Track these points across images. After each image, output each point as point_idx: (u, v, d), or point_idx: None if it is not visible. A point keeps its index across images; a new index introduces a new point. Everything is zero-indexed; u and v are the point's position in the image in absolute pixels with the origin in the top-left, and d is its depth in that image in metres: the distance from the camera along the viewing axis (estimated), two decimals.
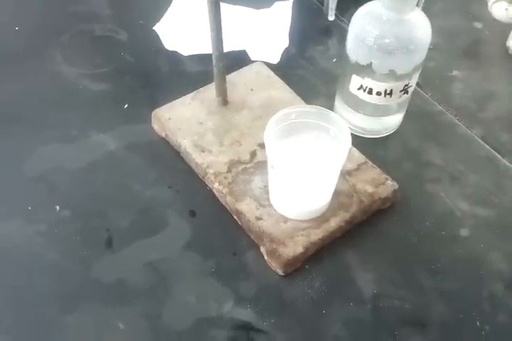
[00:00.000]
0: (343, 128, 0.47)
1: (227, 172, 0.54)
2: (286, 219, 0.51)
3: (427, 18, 0.52)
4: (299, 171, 0.47)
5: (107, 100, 0.63)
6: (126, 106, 0.62)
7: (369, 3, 0.53)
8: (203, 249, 0.52)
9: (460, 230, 0.54)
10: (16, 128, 0.60)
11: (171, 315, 0.48)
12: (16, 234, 0.52)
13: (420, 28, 0.52)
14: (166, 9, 0.72)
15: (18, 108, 0.62)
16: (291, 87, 0.61)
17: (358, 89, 0.55)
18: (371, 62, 0.53)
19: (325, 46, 0.70)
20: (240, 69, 0.63)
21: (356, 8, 0.54)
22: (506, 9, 0.69)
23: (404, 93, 0.55)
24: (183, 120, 0.58)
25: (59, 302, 0.49)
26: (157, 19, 0.70)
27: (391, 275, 0.51)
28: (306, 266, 0.51)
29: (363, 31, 0.52)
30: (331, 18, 0.70)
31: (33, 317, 0.48)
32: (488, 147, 0.60)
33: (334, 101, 0.61)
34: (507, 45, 0.71)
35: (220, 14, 0.50)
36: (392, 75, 0.53)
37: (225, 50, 0.54)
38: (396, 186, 0.54)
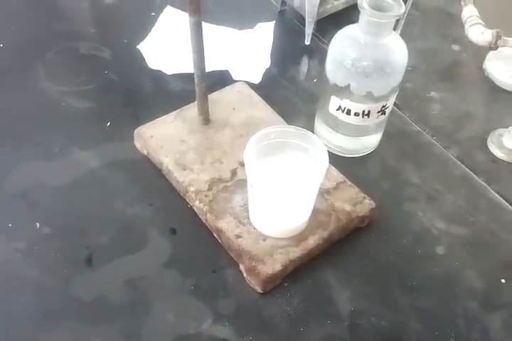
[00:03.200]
0: (321, 149, 0.48)
1: (207, 190, 0.55)
2: (265, 237, 0.52)
3: (403, 41, 0.54)
4: (277, 190, 0.47)
5: (89, 118, 0.63)
6: (108, 124, 0.63)
7: (348, 26, 0.55)
8: (183, 266, 0.52)
9: (436, 248, 0.55)
10: None
11: (149, 332, 0.48)
12: None
13: (397, 51, 0.54)
14: (150, 29, 0.73)
15: (0, 123, 0.62)
16: (272, 107, 0.63)
17: (337, 109, 0.57)
18: (349, 84, 0.54)
19: (306, 67, 0.71)
20: (223, 89, 0.64)
21: (337, 30, 0.55)
22: (482, 33, 0.71)
23: (381, 114, 0.57)
24: (166, 138, 0.59)
25: (38, 319, 0.49)
26: (141, 38, 0.71)
27: (368, 293, 0.51)
28: (285, 284, 0.51)
29: (341, 54, 0.54)
30: (307, 42, 0.72)
31: (12, 334, 0.48)
32: (463, 166, 0.62)
33: (314, 121, 0.63)
34: (483, 67, 0.73)
35: (202, 36, 0.51)
36: (369, 97, 0.54)
37: (208, 69, 0.55)
38: (373, 205, 0.55)
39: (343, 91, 0.55)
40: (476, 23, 0.71)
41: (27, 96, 0.65)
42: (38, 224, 0.54)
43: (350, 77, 0.54)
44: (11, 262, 0.52)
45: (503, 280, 0.53)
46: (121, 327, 0.48)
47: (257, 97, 0.64)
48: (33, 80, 0.67)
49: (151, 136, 0.59)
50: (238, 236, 0.52)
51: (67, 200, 0.56)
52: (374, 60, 0.53)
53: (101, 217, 0.55)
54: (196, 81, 0.55)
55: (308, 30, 0.71)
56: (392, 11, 0.50)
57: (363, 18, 0.51)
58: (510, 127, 0.64)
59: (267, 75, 0.69)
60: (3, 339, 0.48)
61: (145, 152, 0.60)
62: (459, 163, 0.62)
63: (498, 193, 0.60)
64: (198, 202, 0.54)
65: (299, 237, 0.52)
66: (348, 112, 0.56)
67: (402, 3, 0.51)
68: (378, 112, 0.56)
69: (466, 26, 0.72)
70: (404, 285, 0.52)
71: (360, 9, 0.51)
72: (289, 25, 0.75)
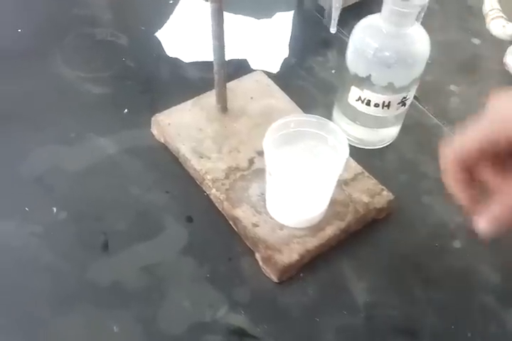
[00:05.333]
0: (341, 139, 0.48)
1: (224, 178, 0.55)
2: (282, 227, 0.52)
3: (426, 32, 0.54)
4: (296, 179, 0.47)
5: (106, 104, 0.63)
6: (126, 110, 0.63)
7: (370, 16, 0.54)
8: (199, 254, 0.52)
9: (453, 242, 0.54)
10: (15, 128, 0.60)
11: (165, 319, 0.48)
12: (12, 234, 0.52)
13: (419, 42, 0.53)
14: (168, 16, 0.72)
15: (18, 108, 0.62)
16: (290, 97, 0.62)
17: (357, 100, 0.56)
18: (370, 75, 0.53)
19: (324, 57, 0.70)
20: (240, 78, 0.64)
21: (356, 21, 0.54)
22: (504, 26, 0.70)
23: (401, 105, 0.56)
24: (183, 126, 0.59)
25: (53, 303, 0.49)
26: (159, 26, 0.71)
27: (384, 285, 0.51)
28: (301, 274, 0.51)
29: (362, 44, 0.53)
30: (333, 30, 0.71)
31: (27, 318, 0.48)
32: None
33: (332, 111, 0.62)
34: (504, 61, 0.72)
35: (223, 22, 0.51)
36: (390, 88, 0.54)
37: (226, 58, 0.55)
38: (391, 197, 0.54)
39: (364, 81, 0.54)
40: (498, 17, 0.71)
41: (44, 81, 0.65)
42: (54, 209, 0.54)
43: (372, 67, 0.53)
44: (27, 246, 0.52)
45: None
46: (137, 312, 0.48)
47: (274, 87, 0.63)
48: (51, 65, 0.66)
49: (169, 124, 0.59)
50: (255, 225, 0.52)
51: (84, 186, 0.56)
52: (396, 50, 0.52)
53: (118, 203, 0.55)
54: (215, 68, 0.55)
55: (335, 14, 0.69)
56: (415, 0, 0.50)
57: (386, 7, 0.51)
58: None
59: (285, 65, 0.68)
60: (19, 323, 0.48)
61: (162, 139, 0.59)
62: None
63: None
64: (214, 190, 0.54)
65: (316, 227, 0.52)
66: (368, 103, 0.56)
67: None
68: (398, 104, 0.56)
69: (488, 19, 0.72)
70: (421, 278, 0.52)
71: None
72: (308, 15, 0.74)
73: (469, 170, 0.45)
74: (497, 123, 0.43)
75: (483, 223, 0.43)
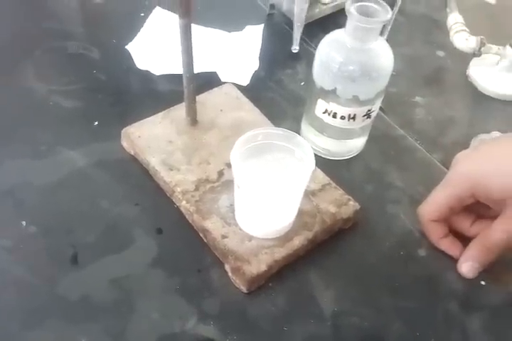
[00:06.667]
0: (307, 151, 0.49)
1: (194, 190, 0.55)
2: (251, 238, 0.53)
3: (389, 47, 0.55)
4: (263, 191, 0.48)
5: (77, 117, 0.63)
6: (96, 123, 0.63)
7: (335, 31, 0.56)
8: (169, 266, 0.52)
9: (418, 250, 0.56)
10: None
11: (134, 331, 0.48)
12: None
13: (383, 56, 0.55)
14: (139, 29, 0.73)
15: None
16: (260, 109, 0.63)
17: (323, 112, 0.58)
18: (335, 88, 0.55)
19: (293, 70, 0.72)
20: (210, 90, 0.64)
21: (324, 35, 0.56)
22: (466, 39, 0.72)
23: (367, 117, 0.58)
24: (153, 138, 0.59)
25: (22, 318, 0.48)
26: (130, 38, 0.72)
27: (351, 294, 0.52)
28: (270, 284, 0.52)
29: (328, 58, 0.55)
30: (296, 47, 0.72)
31: None
32: (446, 170, 0.62)
33: (301, 123, 0.63)
34: (467, 73, 0.75)
35: (191, 38, 0.51)
36: (355, 101, 0.55)
37: (196, 71, 0.55)
38: (358, 207, 0.56)
39: (330, 94, 0.56)
40: (461, 30, 0.73)
41: (15, 95, 0.65)
42: (24, 223, 0.54)
43: (337, 80, 0.55)
44: None
45: (482, 282, 0.54)
46: (106, 326, 0.48)
47: (244, 99, 0.64)
48: (21, 79, 0.66)
49: (139, 136, 0.59)
50: (224, 237, 0.52)
51: (54, 199, 0.56)
52: (360, 64, 0.54)
53: (87, 216, 0.55)
54: (184, 82, 0.56)
55: (297, 34, 0.71)
56: (378, 16, 0.51)
57: (350, 23, 0.52)
58: (492, 132, 0.66)
59: (255, 78, 0.69)
60: None
61: (132, 152, 0.60)
62: (442, 167, 0.63)
63: None
64: (184, 202, 0.55)
65: (284, 238, 0.53)
66: (334, 115, 0.57)
67: (389, 9, 0.52)
68: (364, 116, 0.57)
69: (451, 33, 0.74)
70: (387, 286, 0.53)
71: (347, 14, 0.52)
72: (278, 29, 0.76)
73: (446, 222, 0.55)
74: (462, 184, 0.53)
75: (464, 267, 0.51)
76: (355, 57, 0.54)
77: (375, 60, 0.54)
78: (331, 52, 0.55)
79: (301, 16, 0.70)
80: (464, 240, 0.55)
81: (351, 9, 0.51)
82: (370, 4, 0.52)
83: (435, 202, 0.54)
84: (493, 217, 0.52)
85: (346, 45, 0.54)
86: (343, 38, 0.54)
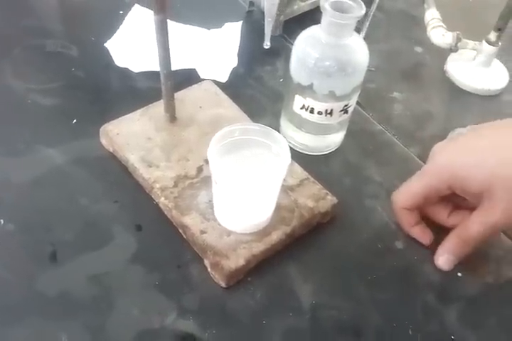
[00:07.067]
0: (283, 146, 0.49)
1: (173, 187, 0.56)
2: (229, 233, 0.53)
3: (364, 42, 0.56)
4: (241, 187, 0.48)
5: (56, 115, 0.63)
6: (74, 121, 0.63)
7: (311, 27, 0.56)
8: (148, 262, 0.53)
9: (395, 243, 0.57)
10: None
11: (114, 327, 0.48)
12: None
13: (358, 51, 0.55)
14: (118, 27, 0.73)
15: None
16: (239, 106, 0.63)
17: (301, 108, 0.58)
18: (312, 83, 0.55)
19: (273, 66, 0.72)
20: (189, 87, 0.65)
21: (302, 31, 0.56)
22: (443, 35, 0.73)
23: (344, 113, 0.58)
24: (132, 135, 0.59)
25: (1, 315, 0.48)
26: (109, 36, 0.72)
27: (329, 287, 0.53)
28: (249, 278, 0.52)
29: (304, 53, 0.55)
30: (267, 43, 0.72)
31: None
32: (423, 164, 0.63)
33: (280, 119, 0.64)
34: (444, 68, 0.75)
35: (167, 35, 0.52)
36: (331, 96, 0.56)
37: (175, 68, 0.56)
38: (335, 201, 0.56)
39: (307, 90, 0.56)
40: (438, 26, 0.74)
41: None
42: (1, 221, 0.54)
43: (313, 76, 0.55)
44: None
45: (459, 274, 0.55)
46: (86, 322, 0.48)
47: (223, 96, 0.65)
48: (0, 77, 0.66)
49: (117, 133, 0.59)
50: (203, 232, 0.53)
51: (32, 197, 0.56)
52: (336, 60, 0.54)
53: (66, 214, 0.55)
54: (162, 79, 0.56)
55: (268, 30, 0.71)
56: (352, 12, 0.52)
57: (324, 19, 0.53)
58: (468, 126, 0.66)
59: (234, 74, 0.70)
60: None
61: (111, 149, 0.60)
62: (419, 161, 0.64)
63: None
64: (163, 198, 0.55)
65: (263, 233, 0.53)
66: (312, 111, 0.58)
67: (363, 5, 0.52)
68: (341, 111, 0.58)
69: (428, 28, 0.74)
70: (365, 278, 0.54)
71: (322, 10, 0.52)
72: (257, 26, 0.76)
73: (419, 210, 0.55)
74: (439, 175, 0.53)
75: (441, 260, 0.52)
76: (331, 53, 0.54)
77: (350, 55, 0.55)
78: (306, 48, 0.55)
79: (271, 11, 0.70)
80: (442, 230, 0.55)
81: (326, 5, 0.51)
82: (344, 0, 0.52)
83: (409, 191, 0.54)
84: (471, 208, 0.52)
85: (322, 41, 0.54)
86: (318, 34, 0.54)
